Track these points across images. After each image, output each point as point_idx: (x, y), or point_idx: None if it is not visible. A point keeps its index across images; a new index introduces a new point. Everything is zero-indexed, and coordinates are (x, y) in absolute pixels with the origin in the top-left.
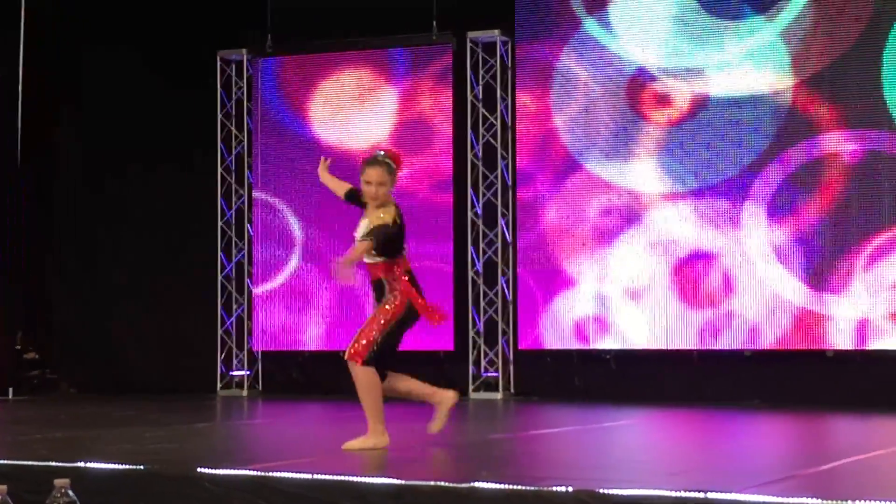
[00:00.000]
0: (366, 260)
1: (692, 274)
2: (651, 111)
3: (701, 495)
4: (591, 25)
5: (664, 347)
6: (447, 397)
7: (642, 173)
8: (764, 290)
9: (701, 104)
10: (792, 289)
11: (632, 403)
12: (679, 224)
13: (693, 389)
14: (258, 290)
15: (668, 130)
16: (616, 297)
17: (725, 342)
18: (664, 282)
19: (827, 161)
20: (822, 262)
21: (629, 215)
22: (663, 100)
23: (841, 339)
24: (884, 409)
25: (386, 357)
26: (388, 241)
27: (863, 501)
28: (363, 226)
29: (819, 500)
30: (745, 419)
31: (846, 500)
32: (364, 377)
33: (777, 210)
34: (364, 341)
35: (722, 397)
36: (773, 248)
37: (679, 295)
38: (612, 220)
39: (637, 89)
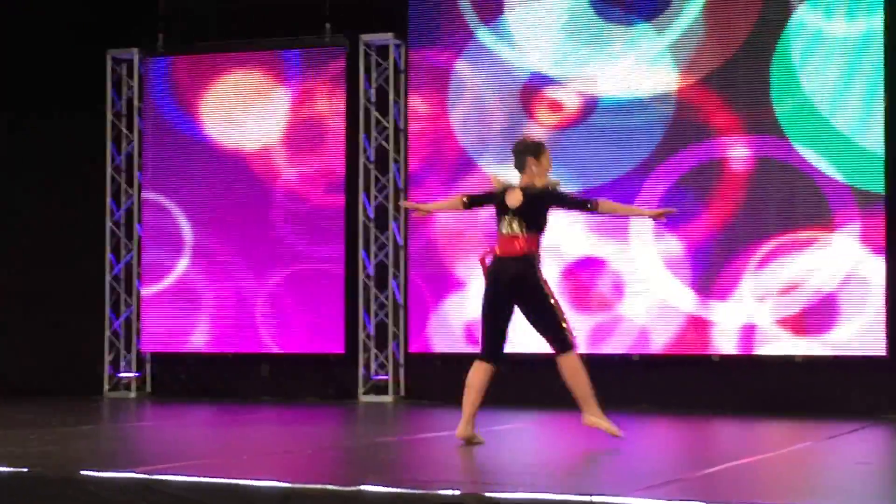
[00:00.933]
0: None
1: (581, 279)
2: (543, 115)
3: (586, 498)
4: (483, 32)
5: (552, 351)
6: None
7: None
8: (652, 295)
9: (591, 109)
10: (679, 294)
11: (521, 407)
12: (568, 229)
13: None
14: (147, 292)
15: (560, 134)
16: None
17: (614, 347)
18: (554, 286)
19: (715, 167)
20: (709, 268)
21: None
22: (555, 104)
23: (727, 344)
24: (768, 414)
25: None
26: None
27: None
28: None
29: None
30: (633, 423)
31: (730, 502)
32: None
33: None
34: (566, 327)
35: (610, 401)
36: (660, 254)
37: (568, 299)
38: None
39: (530, 94)
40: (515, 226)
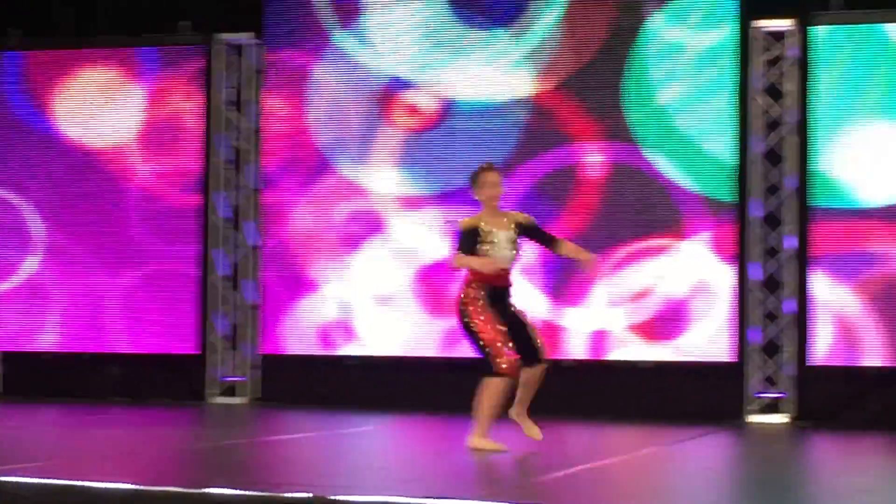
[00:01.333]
0: (504, 264)
1: (436, 281)
2: (400, 119)
3: (435, 501)
4: (341, 35)
5: (407, 354)
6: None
7: (390, 180)
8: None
9: (448, 113)
10: (532, 299)
11: (374, 410)
12: (424, 231)
13: (435, 397)
14: None
15: (417, 138)
16: (360, 303)
17: (467, 350)
18: (408, 289)
19: (570, 173)
20: (562, 274)
21: (376, 221)
22: (412, 108)
23: (578, 349)
24: (617, 419)
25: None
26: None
27: None
28: (504, 236)
29: None
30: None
31: None
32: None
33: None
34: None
35: (462, 406)
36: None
37: (422, 303)
38: (359, 225)
39: (386, 97)
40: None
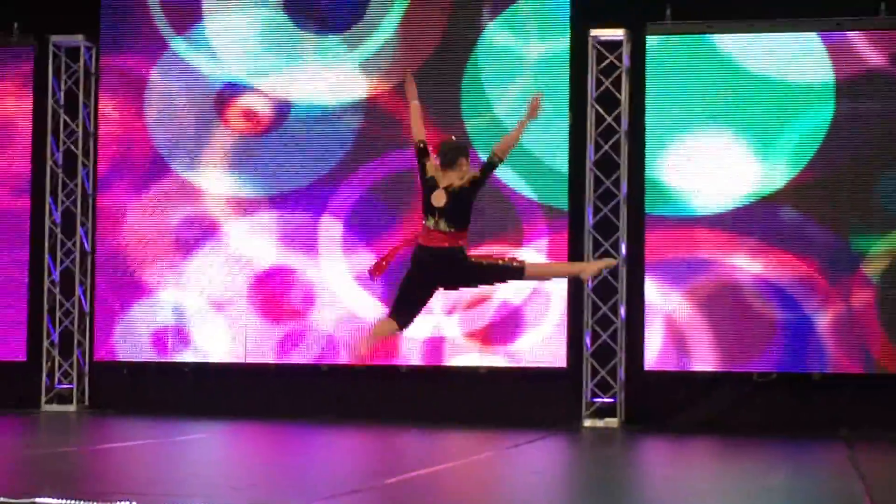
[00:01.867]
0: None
1: (271, 287)
2: (236, 122)
3: None
4: (177, 39)
5: (242, 361)
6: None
7: (225, 184)
8: (340, 305)
9: (284, 117)
10: (367, 305)
11: (209, 417)
12: (259, 237)
13: (270, 403)
14: None
15: (252, 141)
16: (195, 309)
17: (302, 357)
18: (244, 295)
19: (407, 178)
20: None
21: (211, 226)
22: (248, 112)
23: (415, 355)
24: (454, 424)
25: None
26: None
27: None
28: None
29: None
30: (319, 433)
31: None
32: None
33: (355, 224)
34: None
35: (298, 411)
36: (349, 265)
37: (258, 309)
38: (194, 230)
39: (223, 101)
40: (443, 224)
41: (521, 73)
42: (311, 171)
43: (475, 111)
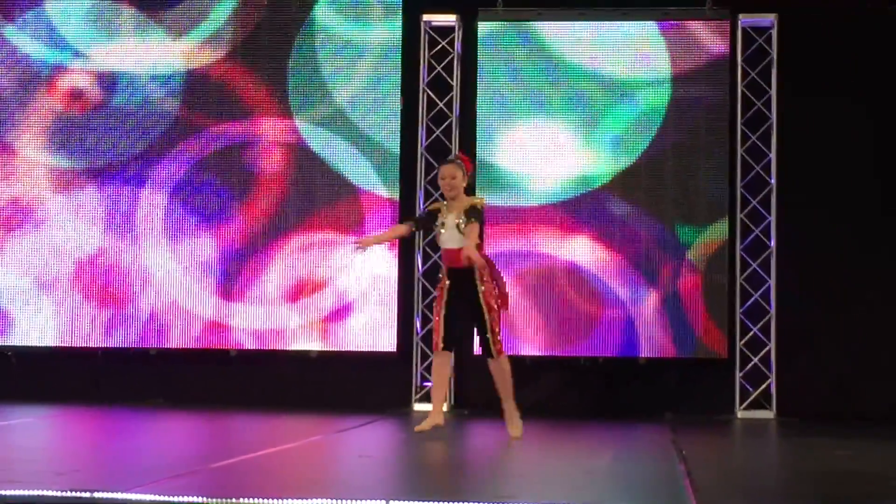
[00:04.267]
0: (453, 245)
1: (98, 269)
2: (60, 99)
3: (87, 495)
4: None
5: (68, 345)
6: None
7: (50, 163)
8: (168, 289)
9: (110, 90)
10: (199, 289)
11: (32, 402)
12: (84, 217)
13: (96, 387)
14: None
15: (77, 118)
16: (16, 290)
17: (131, 340)
18: (69, 276)
19: (238, 151)
20: (234, 261)
21: (36, 206)
22: (73, 88)
23: (246, 339)
24: (285, 408)
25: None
26: (482, 225)
27: (247, 499)
28: (451, 218)
29: (205, 499)
30: (147, 418)
31: (232, 498)
32: (508, 365)
33: (182, 201)
34: (499, 335)
35: (126, 396)
36: (177, 245)
37: (84, 291)
38: (15, 209)
39: (46, 78)
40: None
41: (353, 56)
42: (137, 148)
43: (305, 91)
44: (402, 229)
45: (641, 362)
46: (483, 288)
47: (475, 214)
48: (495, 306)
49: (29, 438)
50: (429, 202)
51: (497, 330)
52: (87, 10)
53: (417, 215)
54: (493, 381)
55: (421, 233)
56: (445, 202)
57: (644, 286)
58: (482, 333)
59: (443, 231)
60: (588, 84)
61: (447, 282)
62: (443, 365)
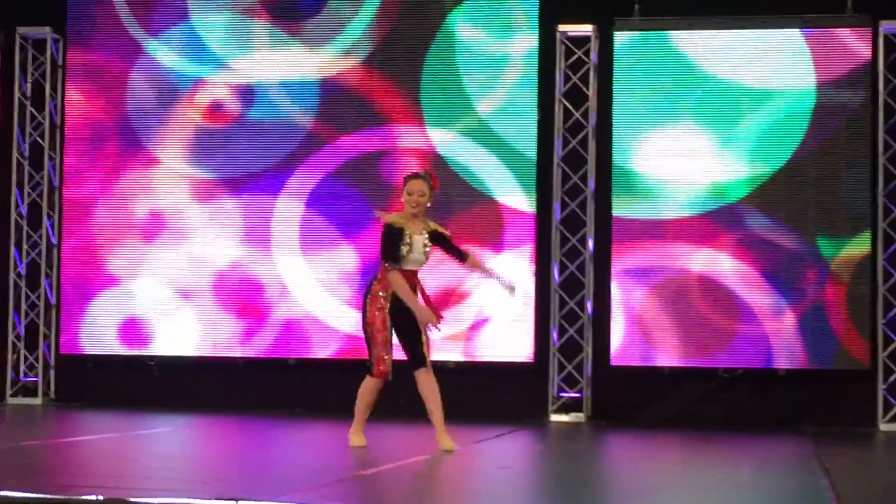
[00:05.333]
0: (415, 268)
1: (237, 278)
2: (204, 112)
3: (232, 503)
4: (145, 30)
5: (210, 355)
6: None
7: (194, 176)
8: (307, 298)
9: (252, 103)
10: (337, 298)
11: (175, 410)
12: (227, 229)
13: (237, 397)
14: None
15: (220, 131)
16: (161, 301)
17: (271, 350)
18: (211, 287)
19: (374, 160)
20: (371, 272)
21: (178, 219)
22: (217, 102)
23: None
24: (420, 418)
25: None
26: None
27: None
28: (419, 240)
29: None
30: (289, 427)
31: None
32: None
33: (318, 211)
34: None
35: (267, 405)
36: (314, 256)
37: (226, 302)
38: (161, 222)
39: (191, 92)
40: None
41: (488, 66)
42: (277, 158)
43: (441, 101)
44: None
45: (781, 373)
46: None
47: (444, 239)
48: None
49: (171, 447)
50: (389, 222)
51: (426, 339)
52: (226, 24)
53: (393, 251)
54: (628, 394)
55: (559, 241)
56: (402, 217)
57: (783, 297)
58: (414, 343)
59: (412, 254)
60: (725, 93)
61: (387, 304)
62: (431, 383)
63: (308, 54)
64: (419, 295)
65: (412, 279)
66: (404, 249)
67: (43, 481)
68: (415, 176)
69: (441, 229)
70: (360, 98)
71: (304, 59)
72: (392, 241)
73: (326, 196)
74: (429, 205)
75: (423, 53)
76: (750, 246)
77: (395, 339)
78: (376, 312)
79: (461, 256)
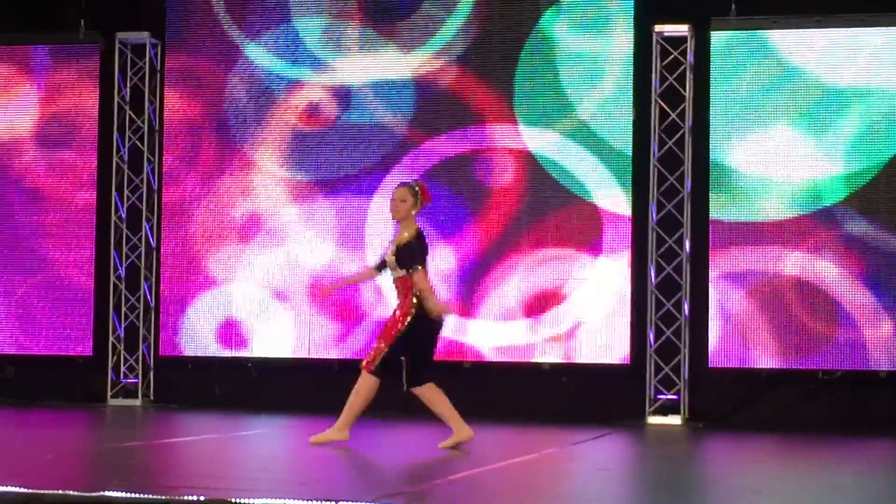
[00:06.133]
0: (394, 274)
1: (332, 280)
2: (300, 116)
3: None
4: (242, 33)
5: (306, 356)
6: (465, 432)
7: (290, 179)
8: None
9: (349, 105)
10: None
11: (272, 412)
12: (323, 232)
13: (333, 399)
14: None
15: (317, 134)
16: (259, 304)
17: (366, 352)
18: (305, 291)
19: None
20: (467, 271)
21: (275, 221)
22: (313, 104)
23: (480, 351)
24: (516, 420)
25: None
26: (410, 256)
27: None
28: (391, 249)
29: None
30: (383, 429)
31: None
32: (365, 384)
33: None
34: (374, 354)
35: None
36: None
37: (319, 302)
38: (258, 225)
39: (287, 94)
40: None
41: (583, 67)
42: (372, 160)
43: (535, 105)
44: (368, 273)
45: (882, 375)
46: (398, 314)
47: (406, 253)
48: (393, 332)
49: (269, 448)
50: (417, 234)
51: (376, 352)
52: (322, 27)
53: (417, 257)
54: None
55: (655, 243)
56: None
57: (882, 299)
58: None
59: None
60: (824, 92)
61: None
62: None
63: (402, 56)
64: (399, 307)
65: (397, 290)
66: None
67: (146, 482)
68: (401, 184)
69: (401, 244)
70: (453, 98)
71: (398, 61)
72: (423, 253)
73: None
74: (414, 214)
75: (516, 53)
76: (848, 248)
77: None
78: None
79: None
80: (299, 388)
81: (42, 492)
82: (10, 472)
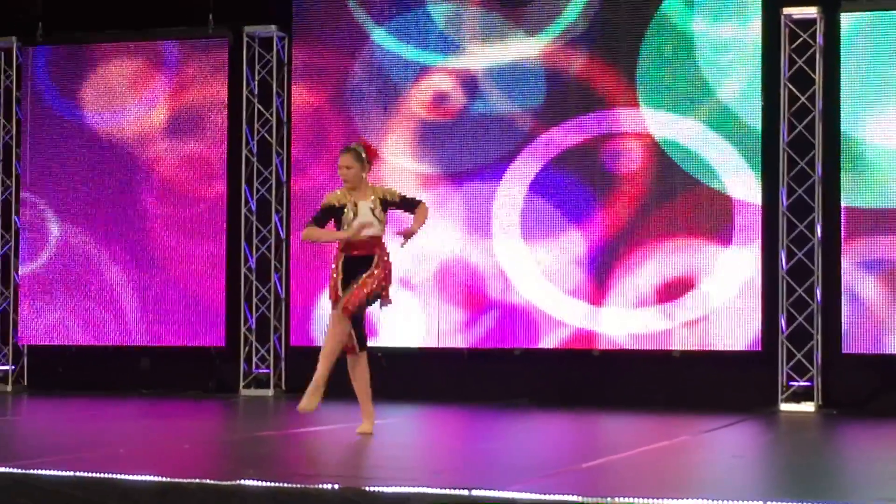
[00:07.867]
0: (369, 233)
1: (461, 269)
2: (429, 106)
3: (465, 493)
4: (370, 25)
5: (434, 345)
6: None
7: (418, 168)
8: (530, 288)
9: (476, 97)
10: (562, 288)
11: (402, 401)
12: (447, 219)
13: (463, 387)
14: (24, 283)
15: (445, 124)
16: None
17: (495, 340)
18: (431, 280)
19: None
20: (594, 261)
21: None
22: (441, 94)
23: (608, 339)
24: (647, 408)
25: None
26: (410, 198)
27: (623, 498)
28: (364, 206)
29: (579, 497)
30: (513, 418)
31: (606, 497)
32: (339, 326)
33: (541, 199)
34: (356, 300)
35: (491, 396)
36: (537, 244)
37: (449, 293)
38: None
39: (416, 85)
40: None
41: (710, 50)
42: (502, 152)
43: (661, 91)
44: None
45: None
46: (375, 272)
47: (398, 200)
48: (372, 287)
49: (400, 437)
50: (325, 199)
51: (357, 299)
52: (447, 13)
53: (314, 216)
54: (860, 382)
55: (785, 228)
56: (341, 193)
57: None
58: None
59: (360, 218)
60: None
61: (340, 276)
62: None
63: (527, 40)
64: (380, 262)
65: (371, 247)
66: (350, 215)
67: (280, 471)
68: (343, 150)
69: (388, 196)
70: (577, 83)
71: (523, 46)
72: (320, 210)
73: (549, 183)
74: (365, 175)
75: (640, 36)
76: None
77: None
78: (333, 272)
79: (413, 207)
80: (428, 377)
81: (180, 480)
82: (148, 461)
